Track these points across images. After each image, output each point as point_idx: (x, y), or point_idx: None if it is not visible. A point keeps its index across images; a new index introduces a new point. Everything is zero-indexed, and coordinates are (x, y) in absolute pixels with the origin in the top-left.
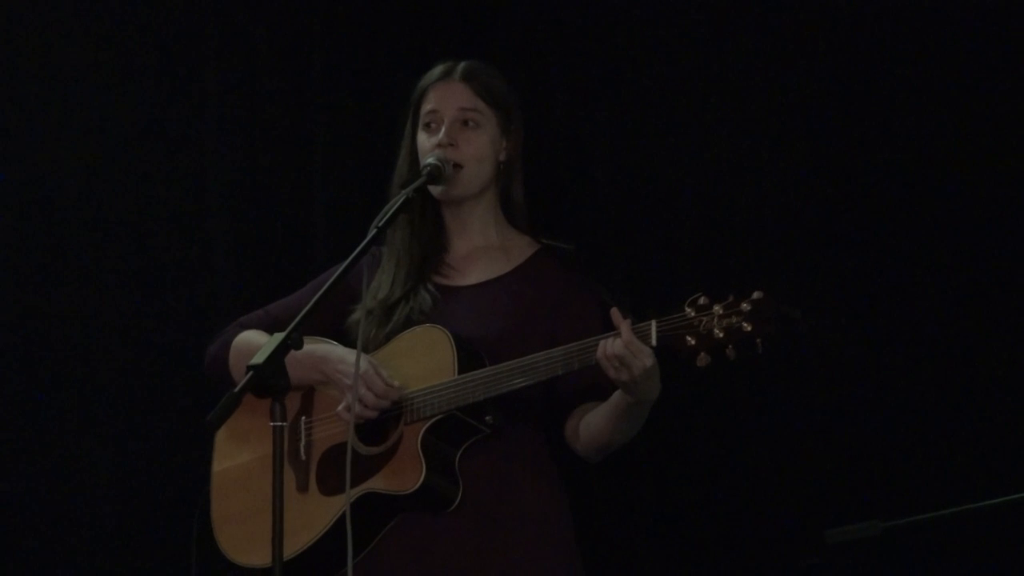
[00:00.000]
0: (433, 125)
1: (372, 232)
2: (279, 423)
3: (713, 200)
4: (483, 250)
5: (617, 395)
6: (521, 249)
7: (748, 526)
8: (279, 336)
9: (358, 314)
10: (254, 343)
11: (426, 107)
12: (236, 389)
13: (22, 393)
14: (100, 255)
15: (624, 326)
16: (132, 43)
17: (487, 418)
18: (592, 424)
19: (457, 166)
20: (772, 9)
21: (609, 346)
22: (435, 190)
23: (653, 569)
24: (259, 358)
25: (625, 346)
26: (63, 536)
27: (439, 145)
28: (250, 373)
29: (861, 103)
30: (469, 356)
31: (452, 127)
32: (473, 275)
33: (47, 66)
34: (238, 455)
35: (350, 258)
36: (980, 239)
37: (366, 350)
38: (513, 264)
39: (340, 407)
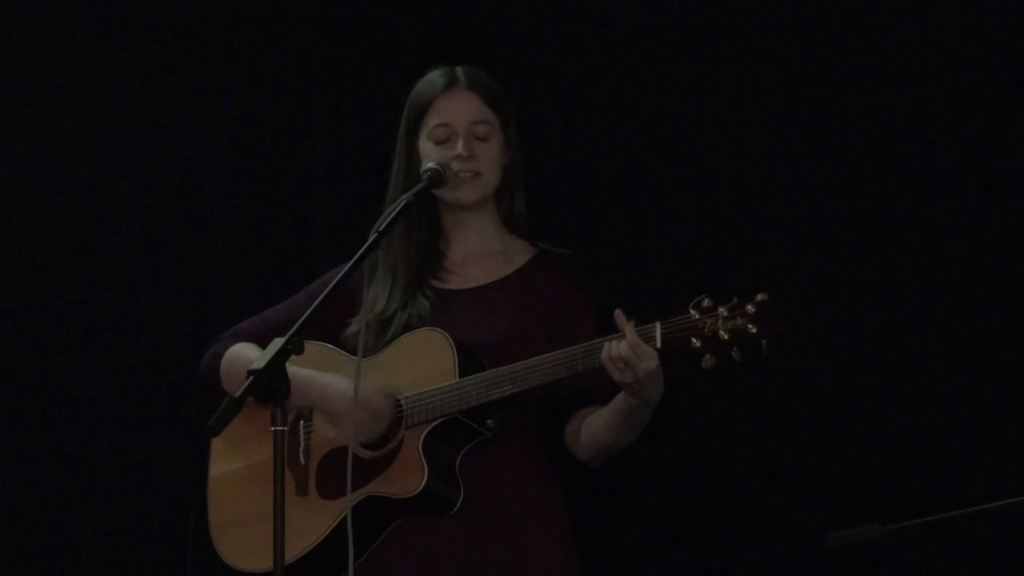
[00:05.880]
0: (446, 138)
1: (373, 237)
2: (280, 427)
3: (714, 201)
4: (481, 254)
5: (620, 398)
6: (519, 253)
7: (748, 528)
8: (279, 341)
9: (354, 327)
10: (244, 357)
11: (434, 120)
12: (237, 394)
13: (21, 394)
14: (100, 258)
15: (628, 328)
16: (133, 44)
17: (488, 421)
18: (593, 428)
19: (477, 174)
20: (772, 9)
21: (614, 348)
22: (442, 193)
23: (652, 570)
24: (259, 363)
25: (630, 348)
26: (62, 539)
27: (458, 157)
28: (250, 378)
29: (864, 102)
30: (469, 359)
31: (468, 140)
32: (471, 279)
33: (47, 68)
34: (235, 460)
35: (351, 263)
36: (981, 239)
37: (364, 356)
38: (512, 268)
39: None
